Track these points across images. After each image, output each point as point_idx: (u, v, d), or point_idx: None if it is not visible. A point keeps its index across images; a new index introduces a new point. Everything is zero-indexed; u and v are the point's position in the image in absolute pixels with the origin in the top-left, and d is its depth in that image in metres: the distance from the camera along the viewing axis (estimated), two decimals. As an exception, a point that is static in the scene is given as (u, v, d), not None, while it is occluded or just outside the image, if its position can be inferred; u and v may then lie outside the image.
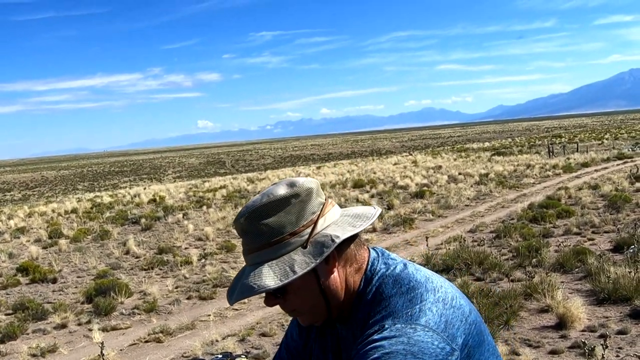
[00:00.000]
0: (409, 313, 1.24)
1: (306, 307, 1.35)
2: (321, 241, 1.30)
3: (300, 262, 1.28)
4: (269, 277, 1.27)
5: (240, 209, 1.36)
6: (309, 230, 1.31)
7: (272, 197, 1.31)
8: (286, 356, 1.63)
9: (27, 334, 8.96)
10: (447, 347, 1.22)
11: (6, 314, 10.09)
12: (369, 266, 1.39)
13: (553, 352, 6.14)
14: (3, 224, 23.55)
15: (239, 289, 1.30)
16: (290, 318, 1.59)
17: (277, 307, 1.36)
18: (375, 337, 1.23)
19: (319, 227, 1.32)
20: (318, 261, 1.28)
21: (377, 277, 1.36)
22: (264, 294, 1.31)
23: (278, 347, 1.69)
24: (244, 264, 1.36)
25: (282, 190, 1.32)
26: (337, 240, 1.30)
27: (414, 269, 1.38)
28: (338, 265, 1.35)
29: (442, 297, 1.29)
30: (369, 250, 1.43)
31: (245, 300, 9.56)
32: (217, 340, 7.65)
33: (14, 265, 14.25)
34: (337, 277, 1.35)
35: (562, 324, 6.80)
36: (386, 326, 1.23)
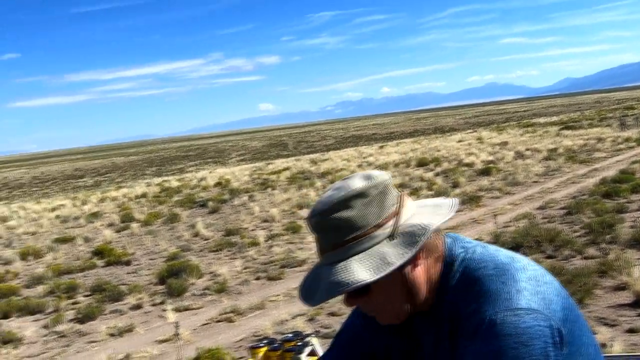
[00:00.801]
0: (506, 297, 1.19)
1: (390, 304, 1.30)
2: (410, 231, 1.25)
3: (393, 253, 1.22)
4: (362, 271, 1.21)
5: (312, 193, 1.26)
6: (391, 222, 1.26)
7: (351, 190, 1.25)
8: (349, 350, 1.57)
9: (105, 314, 9.32)
10: (553, 324, 1.18)
11: (85, 296, 10.53)
12: (446, 252, 1.34)
13: (631, 331, 5.96)
14: (78, 209, 24.49)
15: (327, 287, 1.23)
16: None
17: None
18: (480, 331, 1.19)
19: (402, 218, 1.27)
20: (415, 250, 1.23)
21: (458, 262, 1.31)
22: (341, 296, 1.26)
23: (335, 338, 1.61)
24: (311, 244, 1.31)
25: (359, 183, 1.27)
26: (430, 228, 1.25)
27: (494, 250, 1.33)
28: (422, 256, 1.30)
29: (533, 275, 1.25)
30: (443, 237, 1.37)
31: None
32: (286, 320, 7.77)
33: (89, 248, 14.83)
34: (421, 269, 1.30)
35: (639, 302, 6.59)
36: (487, 318, 1.18)
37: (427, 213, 1.31)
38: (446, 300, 1.30)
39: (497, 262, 1.27)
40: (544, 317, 1.18)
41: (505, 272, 1.24)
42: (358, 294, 1.27)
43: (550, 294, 1.23)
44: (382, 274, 1.21)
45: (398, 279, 1.27)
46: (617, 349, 5.39)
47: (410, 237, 1.25)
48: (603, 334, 5.79)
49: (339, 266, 1.23)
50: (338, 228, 1.25)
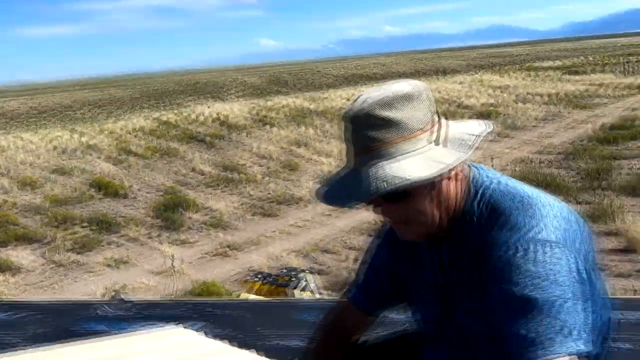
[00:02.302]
0: (535, 230, 1.20)
1: (424, 214, 1.26)
2: (459, 137, 1.24)
3: (445, 155, 1.20)
4: (416, 168, 1.18)
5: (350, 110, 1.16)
6: (436, 128, 1.24)
7: (397, 91, 1.22)
8: (374, 279, 1.54)
9: (102, 246, 9.43)
10: (579, 261, 1.20)
11: (82, 227, 10.61)
12: (471, 178, 1.31)
13: (619, 275, 6.05)
14: (75, 141, 24.43)
15: (375, 184, 1.17)
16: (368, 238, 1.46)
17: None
18: (512, 262, 1.18)
19: (445, 127, 1.25)
20: (470, 153, 1.21)
21: (482, 190, 1.29)
22: (359, 203, 1.23)
23: (365, 267, 1.57)
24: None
25: (406, 87, 1.23)
26: (482, 135, 1.24)
27: (519, 183, 1.33)
28: (455, 171, 1.27)
29: (559, 212, 1.25)
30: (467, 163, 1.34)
31: (309, 217, 9.73)
32: (281, 256, 7.87)
33: (87, 180, 14.85)
34: (453, 184, 1.28)
35: (630, 248, 6.67)
36: (518, 249, 1.18)
37: (466, 126, 1.29)
38: (470, 228, 1.29)
39: (523, 195, 1.27)
40: (569, 253, 1.19)
41: (531, 206, 1.24)
42: (396, 198, 1.23)
43: (574, 232, 1.25)
44: (438, 172, 1.19)
45: (436, 188, 1.25)
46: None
47: (460, 142, 1.23)
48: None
49: (385, 164, 1.19)
50: (383, 127, 1.21)
